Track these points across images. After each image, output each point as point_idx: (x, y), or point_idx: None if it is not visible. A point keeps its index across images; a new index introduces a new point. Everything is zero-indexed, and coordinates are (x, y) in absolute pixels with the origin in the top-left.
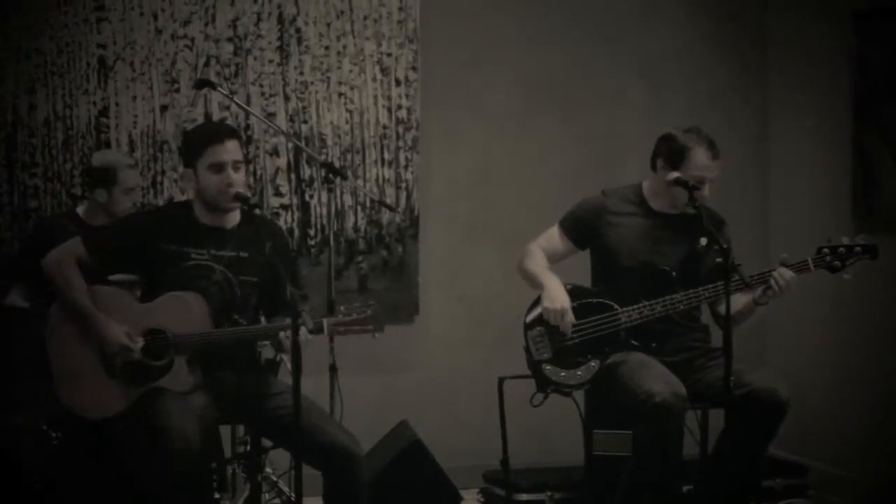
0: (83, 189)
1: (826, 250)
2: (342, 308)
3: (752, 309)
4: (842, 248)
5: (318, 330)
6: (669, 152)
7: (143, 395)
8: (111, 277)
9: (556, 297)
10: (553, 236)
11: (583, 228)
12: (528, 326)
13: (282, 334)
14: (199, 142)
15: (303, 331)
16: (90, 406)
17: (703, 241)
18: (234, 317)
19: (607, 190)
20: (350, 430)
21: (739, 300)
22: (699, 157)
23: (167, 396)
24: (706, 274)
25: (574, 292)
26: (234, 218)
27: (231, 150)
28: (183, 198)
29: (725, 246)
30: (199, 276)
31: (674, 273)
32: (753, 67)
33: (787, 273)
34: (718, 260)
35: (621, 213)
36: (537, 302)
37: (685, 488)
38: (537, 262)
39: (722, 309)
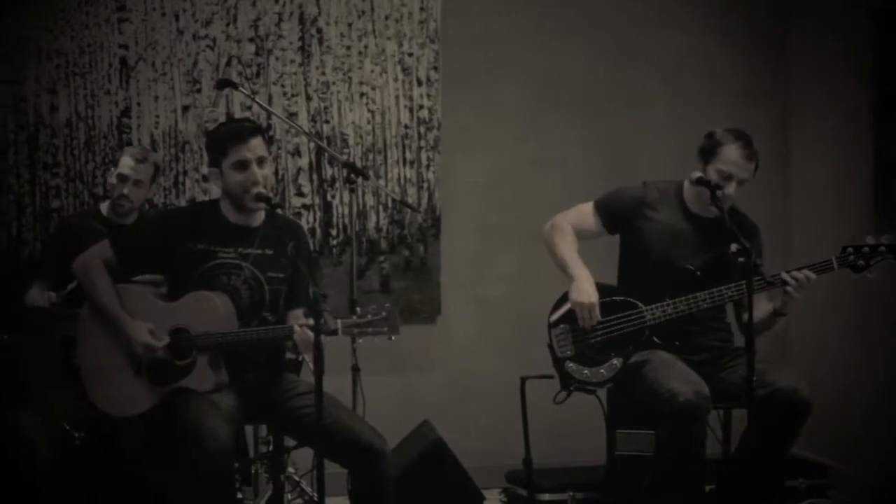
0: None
1: (850, 249)
2: (357, 310)
3: (773, 320)
4: (866, 248)
5: (331, 332)
6: (705, 147)
7: (170, 394)
8: (136, 278)
9: (586, 290)
10: (586, 214)
11: (618, 215)
12: (553, 324)
13: (296, 334)
14: (223, 141)
15: (305, 330)
16: (117, 404)
17: (734, 247)
18: (264, 314)
19: (649, 182)
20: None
21: (760, 308)
22: (729, 152)
23: (197, 397)
24: (733, 277)
25: (600, 290)
26: (260, 216)
27: (255, 147)
28: (205, 197)
29: (748, 245)
30: (228, 274)
31: (698, 273)
32: (774, 67)
33: (810, 274)
34: (741, 260)
35: (658, 209)
36: (563, 300)
37: (708, 488)
38: (568, 246)
39: (745, 315)
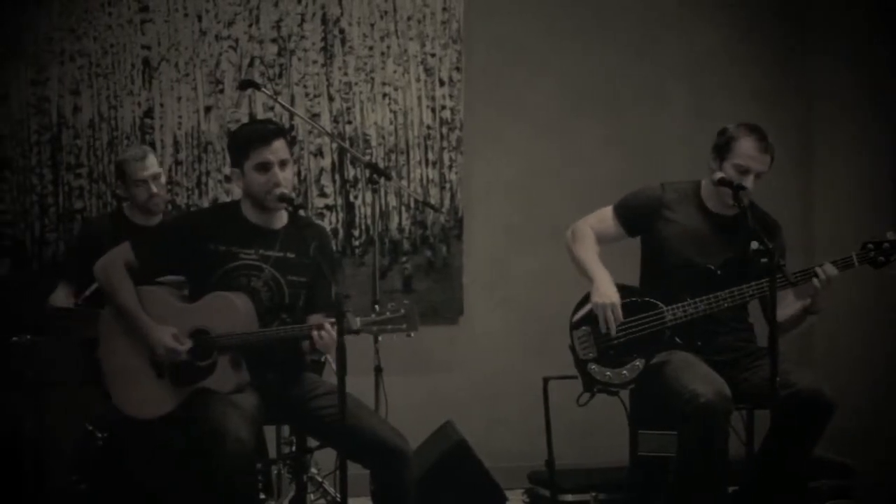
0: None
1: (870, 245)
2: (376, 307)
3: (803, 317)
4: (886, 244)
5: (352, 331)
6: (718, 144)
7: (193, 395)
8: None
9: (606, 291)
10: (605, 219)
11: (636, 218)
12: (574, 326)
13: (315, 333)
14: (246, 143)
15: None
16: (140, 406)
17: (755, 244)
18: (283, 316)
19: (666, 183)
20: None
21: (791, 306)
22: (744, 146)
23: (218, 398)
24: (754, 275)
25: (620, 291)
26: (282, 218)
27: (277, 149)
28: (228, 198)
29: (770, 246)
30: (248, 275)
31: (719, 272)
32: (795, 66)
33: (831, 268)
34: (763, 260)
35: (676, 209)
36: (584, 301)
37: (731, 489)
38: (589, 249)
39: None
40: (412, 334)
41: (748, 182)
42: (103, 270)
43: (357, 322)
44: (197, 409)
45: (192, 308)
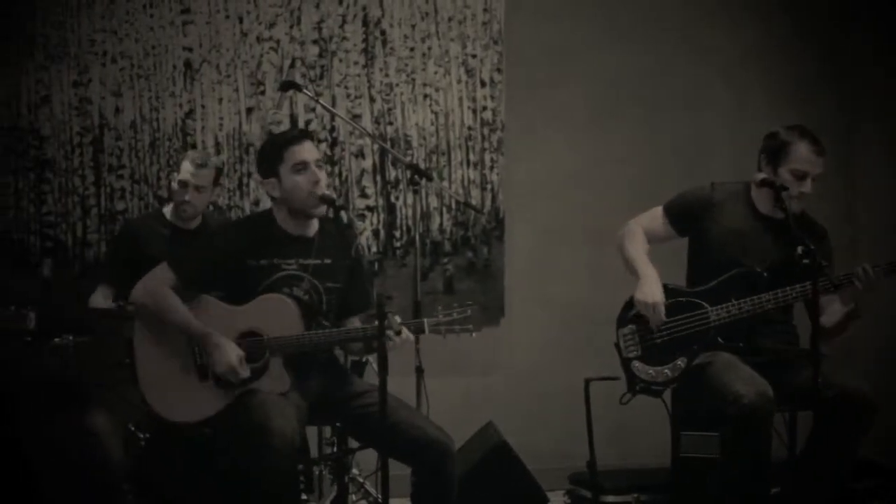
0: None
1: None
2: (441, 308)
3: (847, 322)
4: None
5: (419, 330)
6: (771, 149)
7: (238, 396)
8: None
9: (651, 290)
10: (656, 218)
11: (687, 218)
12: (621, 323)
13: (390, 333)
14: (279, 146)
15: (404, 330)
16: (180, 410)
17: (801, 249)
18: (321, 321)
19: (716, 183)
20: None
21: (836, 313)
22: (801, 150)
23: (265, 396)
24: (800, 278)
25: (667, 292)
26: (314, 225)
27: (310, 149)
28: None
29: (813, 247)
30: (290, 285)
31: (765, 274)
32: (838, 66)
33: (867, 266)
34: (805, 261)
35: (725, 210)
36: (632, 301)
37: (774, 491)
38: (637, 248)
39: (822, 320)
40: (474, 335)
41: (807, 186)
42: (151, 295)
43: (396, 324)
44: (242, 408)
45: (241, 311)
